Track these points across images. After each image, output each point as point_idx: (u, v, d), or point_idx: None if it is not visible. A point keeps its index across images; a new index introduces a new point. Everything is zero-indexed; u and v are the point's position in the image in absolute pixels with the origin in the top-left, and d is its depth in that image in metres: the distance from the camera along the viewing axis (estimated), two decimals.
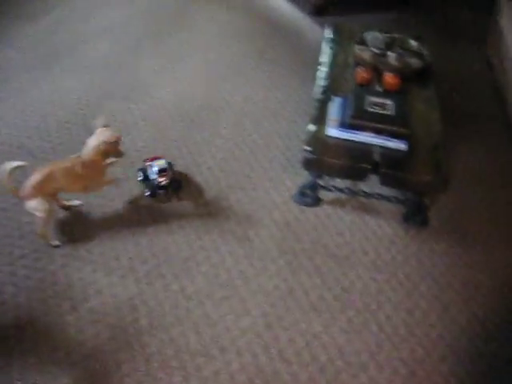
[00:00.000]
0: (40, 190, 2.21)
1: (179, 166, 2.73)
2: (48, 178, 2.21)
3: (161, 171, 2.51)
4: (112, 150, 2.29)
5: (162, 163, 2.55)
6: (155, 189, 2.52)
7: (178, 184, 2.59)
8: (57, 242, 2.33)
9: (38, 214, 2.24)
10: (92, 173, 2.31)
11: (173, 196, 2.58)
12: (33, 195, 2.20)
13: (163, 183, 2.52)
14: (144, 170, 2.58)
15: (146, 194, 2.54)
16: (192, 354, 1.98)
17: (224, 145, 2.90)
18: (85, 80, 3.35)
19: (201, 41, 3.88)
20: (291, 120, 3.10)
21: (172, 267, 2.26)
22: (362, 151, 2.29)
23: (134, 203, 2.53)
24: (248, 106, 3.20)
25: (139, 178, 2.59)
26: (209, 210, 2.52)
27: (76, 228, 2.40)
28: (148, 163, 2.58)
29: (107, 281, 2.20)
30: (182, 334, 2.04)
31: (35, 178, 2.20)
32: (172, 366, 1.94)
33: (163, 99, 3.22)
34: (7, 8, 4.13)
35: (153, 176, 2.52)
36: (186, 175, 2.69)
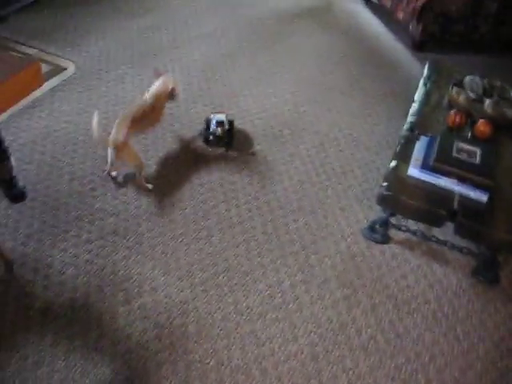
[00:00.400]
0: (128, 137, 2.49)
1: (254, 181, 2.74)
2: (132, 125, 2.51)
3: (218, 123, 2.89)
4: (170, 94, 2.82)
5: (220, 116, 2.96)
6: (208, 135, 2.91)
7: (230, 138, 2.95)
8: (150, 186, 2.62)
9: (132, 162, 2.55)
10: (157, 113, 2.73)
11: (223, 147, 2.93)
12: (125, 145, 2.46)
13: (217, 133, 2.88)
14: (208, 121, 2.97)
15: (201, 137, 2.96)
16: (233, 369, 1.96)
17: (302, 166, 2.88)
18: (178, 79, 3.41)
19: (295, 59, 3.90)
20: (374, 152, 3.05)
21: (229, 279, 2.25)
22: (440, 196, 2.22)
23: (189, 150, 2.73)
24: (332, 132, 3.17)
25: (202, 127, 3.01)
26: (276, 228, 2.50)
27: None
28: (212, 116, 2.98)
29: (164, 280, 2.22)
30: (226, 347, 2.02)
31: (123, 128, 2.47)
32: (211, 377, 1.93)
33: (250, 111, 3.25)
34: (109, 4, 4.31)
35: (212, 126, 2.91)
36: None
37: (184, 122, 3.09)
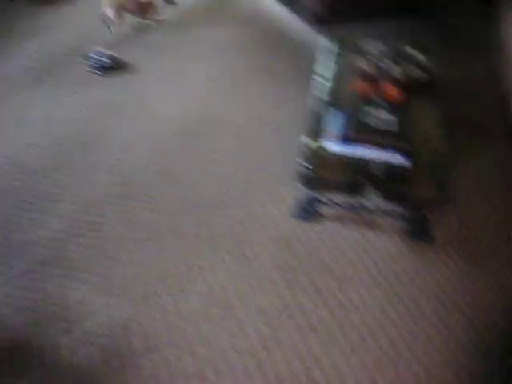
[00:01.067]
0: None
1: (178, 184, 2.71)
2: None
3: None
4: None
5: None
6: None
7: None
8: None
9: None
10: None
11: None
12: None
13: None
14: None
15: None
16: (187, 376, 1.94)
17: (224, 160, 2.86)
18: (83, 95, 3.34)
19: (204, 55, 3.87)
20: (294, 134, 3.04)
21: (168, 287, 2.22)
22: (361, 166, 2.24)
23: None
24: (250, 120, 3.17)
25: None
26: (207, 226, 2.48)
27: None
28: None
29: (103, 301, 2.17)
30: (176, 355, 2.00)
31: None
32: None
33: (164, 113, 3.21)
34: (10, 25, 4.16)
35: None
36: None
37: (99, 138, 3.01)
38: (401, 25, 4.27)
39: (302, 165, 2.23)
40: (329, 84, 2.71)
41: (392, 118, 2.37)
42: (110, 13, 3.80)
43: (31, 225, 2.47)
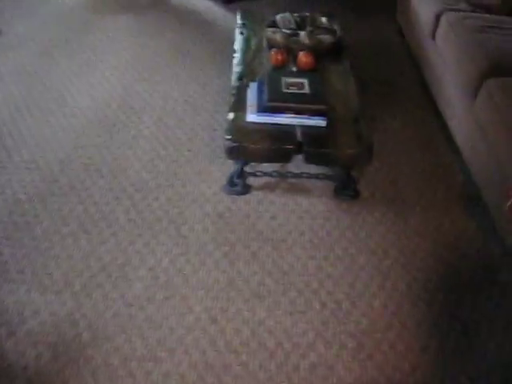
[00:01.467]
0: None
1: (105, 174, 2.67)
2: None
3: None
4: None
5: None
6: None
7: None
8: None
9: None
10: None
11: None
12: None
13: None
14: None
15: None
16: (139, 359, 1.94)
17: (148, 145, 2.86)
18: None
19: (114, 43, 3.82)
20: (213, 111, 3.09)
21: (108, 276, 2.20)
22: (282, 133, 2.30)
23: None
24: (168, 103, 3.17)
25: None
26: (139, 212, 2.48)
27: None
28: None
29: (43, 299, 2.12)
30: (126, 341, 2.00)
31: None
32: (120, 375, 1.89)
33: (81, 107, 3.15)
34: None
35: None
36: None
37: (16, 138, 2.93)
38: None
39: (227, 139, 2.26)
40: (243, 57, 2.75)
41: (305, 81, 2.44)
42: None
43: None
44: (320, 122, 2.32)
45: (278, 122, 2.32)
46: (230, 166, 2.57)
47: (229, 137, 2.26)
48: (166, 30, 3.99)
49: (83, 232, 2.38)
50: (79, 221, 2.43)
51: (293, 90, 2.40)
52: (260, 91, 2.43)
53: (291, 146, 2.25)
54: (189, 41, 3.82)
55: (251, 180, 2.59)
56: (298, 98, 2.37)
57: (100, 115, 3.08)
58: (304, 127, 2.31)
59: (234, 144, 2.25)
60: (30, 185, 2.62)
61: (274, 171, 2.57)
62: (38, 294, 2.14)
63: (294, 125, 2.32)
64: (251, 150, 2.27)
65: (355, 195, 2.59)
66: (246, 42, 2.92)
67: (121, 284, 2.18)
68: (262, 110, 2.33)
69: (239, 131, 2.30)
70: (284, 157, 2.31)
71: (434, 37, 3.09)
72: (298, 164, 2.48)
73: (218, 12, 4.23)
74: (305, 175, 2.56)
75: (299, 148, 2.26)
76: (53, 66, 3.57)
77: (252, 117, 2.33)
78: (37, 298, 2.13)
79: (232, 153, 2.30)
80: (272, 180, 2.61)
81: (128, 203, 2.52)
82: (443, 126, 3.00)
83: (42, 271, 2.23)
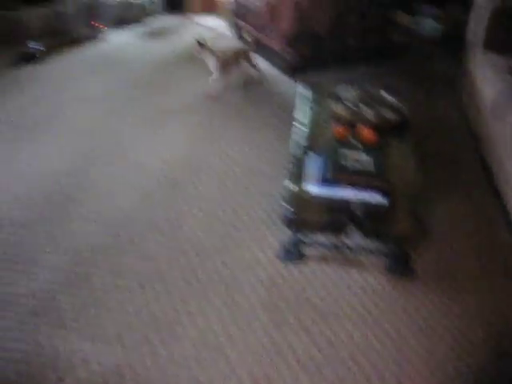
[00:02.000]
0: None
1: (165, 231, 2.76)
2: None
3: None
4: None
5: None
6: None
7: None
8: None
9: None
10: None
11: None
12: None
13: None
14: None
15: None
16: None
17: (208, 206, 2.94)
18: (68, 148, 3.43)
19: (181, 105, 4.00)
20: (273, 177, 3.15)
21: (158, 332, 2.25)
22: (340, 206, 2.33)
23: None
24: (229, 166, 3.27)
25: None
26: (194, 272, 2.53)
27: None
28: None
29: (93, 349, 2.18)
30: None
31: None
32: None
33: (146, 164, 3.29)
34: None
35: None
36: None
37: (86, 187, 3.08)
38: (373, 70, 4.47)
39: (285, 208, 2.31)
40: (306, 129, 2.82)
41: (368, 158, 2.48)
42: None
43: (19, 277, 2.49)
44: (379, 198, 2.34)
45: (337, 195, 2.35)
46: (286, 233, 2.60)
47: (287, 206, 2.31)
48: (234, 94, 4.16)
49: (139, 287, 2.45)
50: (136, 275, 2.50)
51: (354, 164, 2.44)
52: (321, 163, 2.48)
53: (348, 220, 2.28)
54: (253, 106, 3.95)
55: (306, 249, 2.61)
56: (359, 172, 2.40)
57: (165, 174, 3.20)
58: (362, 202, 2.34)
59: (292, 213, 2.30)
60: (93, 236, 2.73)
61: (330, 243, 2.59)
62: (90, 343, 2.20)
63: (352, 199, 2.35)
64: (308, 221, 2.31)
65: (408, 272, 2.57)
66: (310, 112, 3.00)
67: (170, 342, 2.21)
68: (322, 181, 2.38)
69: (297, 201, 2.34)
70: (340, 230, 2.33)
71: (496, 115, 3.10)
72: (353, 237, 2.49)
73: (285, 80, 4.38)
74: (359, 249, 2.56)
75: (356, 222, 2.28)
76: (123, 122, 3.76)
77: (311, 188, 2.38)
78: (87, 347, 2.18)
79: (289, 222, 2.34)
80: (327, 251, 2.63)
81: (184, 263, 2.58)
82: (502, 206, 2.95)
83: (96, 321, 2.29)
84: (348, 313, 2.36)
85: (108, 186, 3.09)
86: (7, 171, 3.23)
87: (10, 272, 2.52)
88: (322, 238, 2.61)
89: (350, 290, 2.46)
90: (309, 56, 4.45)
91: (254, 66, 4.38)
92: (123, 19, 5.60)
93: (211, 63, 4.11)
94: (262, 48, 4.85)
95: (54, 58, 4.85)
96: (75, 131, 3.66)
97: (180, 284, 2.47)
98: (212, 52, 4.07)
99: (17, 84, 4.36)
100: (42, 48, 4.74)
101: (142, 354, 2.16)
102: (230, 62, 4.20)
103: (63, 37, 4.85)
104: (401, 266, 2.57)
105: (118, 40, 5.36)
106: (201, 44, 4.07)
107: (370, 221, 2.29)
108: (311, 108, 3.04)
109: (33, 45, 4.75)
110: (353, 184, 2.36)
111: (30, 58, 4.68)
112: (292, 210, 2.31)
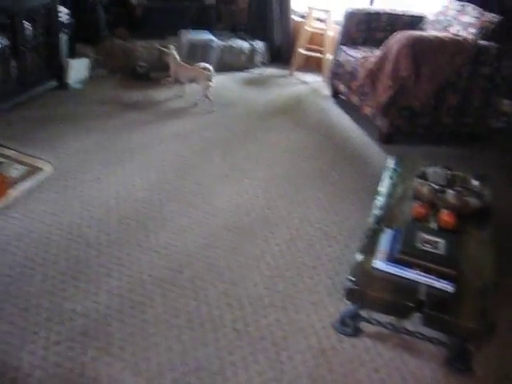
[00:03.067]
0: None
1: (225, 279, 2.76)
2: None
3: None
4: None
5: None
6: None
7: None
8: None
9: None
10: None
11: None
12: None
13: None
14: None
15: None
16: None
17: (273, 262, 2.92)
18: (152, 179, 3.54)
19: (268, 155, 4.05)
20: (344, 245, 3.11)
21: (199, 379, 2.22)
22: (406, 288, 2.25)
23: None
24: (303, 226, 3.24)
25: None
26: (246, 324, 2.50)
27: None
28: None
29: (134, 382, 2.18)
30: None
31: None
32: None
33: (222, 207, 3.33)
34: (84, 107, 4.51)
35: None
36: None
37: (159, 219, 3.15)
38: (466, 153, 4.37)
39: (349, 280, 2.26)
40: (386, 202, 2.78)
41: (442, 241, 2.40)
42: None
43: (79, 295, 2.56)
44: (447, 286, 2.25)
45: (404, 276, 2.28)
46: (346, 305, 2.54)
47: (351, 278, 2.26)
48: (320, 154, 4.16)
49: (189, 328, 2.44)
50: (189, 316, 2.51)
51: (427, 247, 2.37)
52: (394, 240, 2.42)
53: (411, 304, 2.19)
54: (339, 170, 3.94)
55: (363, 324, 2.53)
56: (431, 256, 2.33)
57: (237, 221, 3.22)
58: (429, 287, 2.26)
59: (355, 287, 2.24)
60: (156, 268, 2.76)
61: (389, 323, 2.50)
62: (131, 374, 2.21)
63: (419, 283, 2.27)
64: (370, 296, 2.24)
65: (467, 370, 2.43)
66: (393, 187, 2.95)
67: None
68: (391, 259, 2.32)
69: (363, 275, 2.29)
70: (402, 313, 2.25)
71: None
72: (414, 321, 2.39)
73: (374, 150, 4.34)
74: (419, 335, 2.46)
75: (419, 307, 2.19)
76: (209, 163, 3.84)
77: (379, 264, 2.32)
78: (128, 379, 2.19)
79: (351, 294, 2.29)
80: (384, 331, 2.53)
81: (238, 313, 2.56)
82: None
83: (141, 354, 2.30)
84: None
85: (180, 222, 3.14)
86: (92, 191, 3.36)
87: (72, 288, 2.59)
88: (381, 315, 2.52)
89: (402, 377, 2.35)
90: (401, 127, 4.41)
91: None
92: (226, 64, 5.78)
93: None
94: (353, 111, 4.87)
95: (155, 90, 5.09)
96: (161, 164, 3.77)
97: (229, 333, 2.45)
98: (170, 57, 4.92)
99: (123, 108, 4.61)
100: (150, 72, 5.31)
101: None
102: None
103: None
104: (460, 361, 2.43)
105: (218, 82, 5.51)
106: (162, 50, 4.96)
107: (432, 308, 2.19)
108: (395, 182, 2.99)
109: (142, 67, 5.30)
110: (420, 266, 2.29)
111: (140, 78, 5.27)
112: (355, 281, 2.25)
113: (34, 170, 3.51)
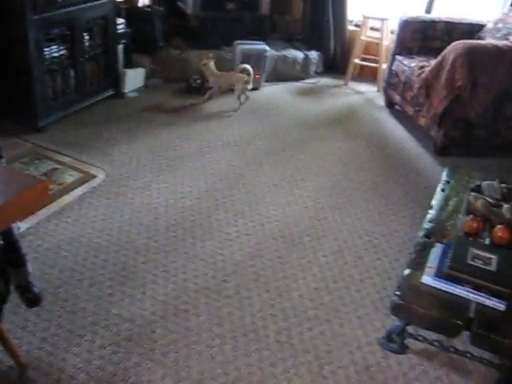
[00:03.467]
0: None
1: (271, 289, 2.74)
2: None
3: None
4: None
5: None
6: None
7: None
8: None
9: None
10: None
11: None
12: None
13: None
14: None
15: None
16: None
17: (320, 274, 2.88)
18: (201, 187, 3.56)
19: (319, 166, 4.01)
20: (393, 258, 3.04)
21: None
22: (455, 305, 2.17)
23: None
24: (352, 238, 3.19)
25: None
26: (290, 336, 2.47)
27: None
28: None
29: None
30: None
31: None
32: None
33: (270, 218, 3.32)
34: (138, 116, 4.59)
35: None
36: None
37: (206, 228, 3.16)
38: None
39: (396, 295, 2.20)
40: (437, 215, 2.70)
41: (494, 257, 2.31)
42: None
43: (125, 300, 2.59)
44: (498, 304, 2.16)
45: (453, 293, 2.20)
46: (393, 320, 2.48)
47: (398, 293, 2.20)
48: (372, 165, 4.10)
49: (231, 338, 2.43)
50: (232, 326, 2.50)
51: (478, 263, 2.28)
52: (444, 255, 2.34)
53: (460, 322, 2.11)
54: (391, 182, 3.86)
55: (410, 341, 2.46)
56: (482, 273, 2.23)
57: (285, 231, 3.20)
58: (479, 305, 2.17)
59: (401, 302, 2.18)
60: (202, 277, 2.77)
61: (436, 340, 2.42)
62: (172, 382, 2.21)
63: (469, 300, 2.19)
64: (418, 313, 2.17)
65: None
66: (445, 200, 2.87)
67: None
68: (440, 275, 2.24)
69: (410, 290, 2.22)
70: (450, 331, 2.17)
71: None
72: (463, 339, 2.30)
73: (428, 161, 4.24)
74: (468, 355, 2.37)
75: (468, 325, 2.11)
76: (259, 173, 3.84)
77: (427, 279, 2.24)
78: None
79: (397, 310, 2.22)
80: (432, 348, 2.45)
81: (282, 324, 2.53)
82: None
83: (183, 362, 2.30)
84: None
85: (227, 231, 3.15)
86: (142, 198, 3.41)
87: (118, 293, 2.63)
88: (429, 333, 2.45)
89: None
90: (457, 139, 4.29)
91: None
92: (280, 74, 5.78)
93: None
94: (408, 121, 4.78)
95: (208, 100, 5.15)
96: (211, 173, 3.80)
97: (272, 344, 2.42)
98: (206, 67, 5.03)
99: (177, 117, 4.69)
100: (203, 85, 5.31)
101: None
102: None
103: None
104: (510, 383, 2.33)
105: (271, 92, 5.54)
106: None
107: (482, 327, 2.10)
108: (447, 195, 2.91)
109: (196, 81, 5.31)
110: (470, 283, 2.20)
111: (193, 91, 5.29)
112: (402, 296, 2.19)
113: (87, 177, 3.59)
